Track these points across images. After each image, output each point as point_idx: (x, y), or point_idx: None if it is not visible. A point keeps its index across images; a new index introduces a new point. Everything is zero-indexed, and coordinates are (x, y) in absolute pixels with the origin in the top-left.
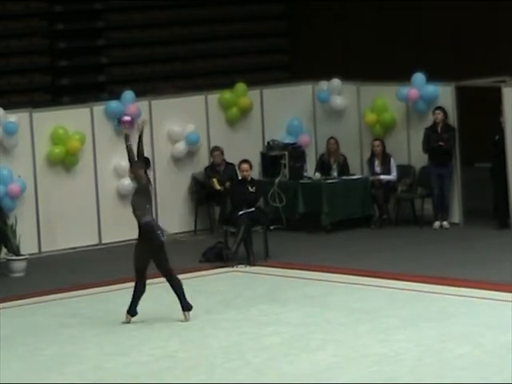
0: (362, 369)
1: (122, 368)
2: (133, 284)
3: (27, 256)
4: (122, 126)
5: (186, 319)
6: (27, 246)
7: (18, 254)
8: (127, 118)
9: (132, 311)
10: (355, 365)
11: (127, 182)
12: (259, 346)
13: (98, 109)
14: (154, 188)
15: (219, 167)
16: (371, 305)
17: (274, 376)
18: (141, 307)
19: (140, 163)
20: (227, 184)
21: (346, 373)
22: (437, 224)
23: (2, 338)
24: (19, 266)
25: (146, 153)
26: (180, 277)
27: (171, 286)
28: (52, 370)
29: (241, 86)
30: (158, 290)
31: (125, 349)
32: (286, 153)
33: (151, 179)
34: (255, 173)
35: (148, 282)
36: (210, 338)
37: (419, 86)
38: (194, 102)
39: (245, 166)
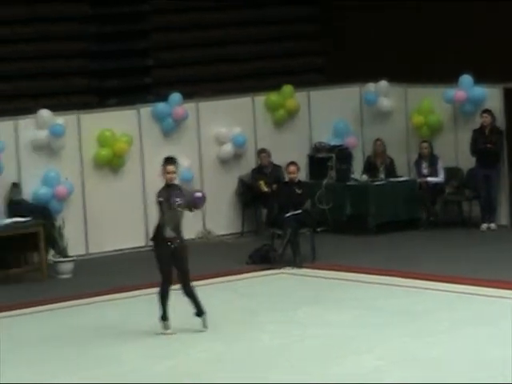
0: (408, 372)
1: (168, 370)
2: (178, 286)
3: (74, 258)
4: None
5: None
6: (74, 247)
7: (65, 255)
8: (199, 195)
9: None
10: (401, 368)
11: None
12: (304, 348)
13: (145, 111)
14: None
15: (266, 169)
16: (419, 307)
17: (319, 377)
18: (182, 311)
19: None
20: (274, 186)
21: (392, 376)
22: (484, 226)
23: (50, 339)
24: (66, 267)
25: (194, 155)
26: (227, 278)
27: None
28: (96, 369)
29: (288, 88)
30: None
31: (171, 352)
32: (333, 155)
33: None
34: (302, 175)
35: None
36: (256, 341)
37: (466, 87)
38: (241, 104)
39: (292, 168)
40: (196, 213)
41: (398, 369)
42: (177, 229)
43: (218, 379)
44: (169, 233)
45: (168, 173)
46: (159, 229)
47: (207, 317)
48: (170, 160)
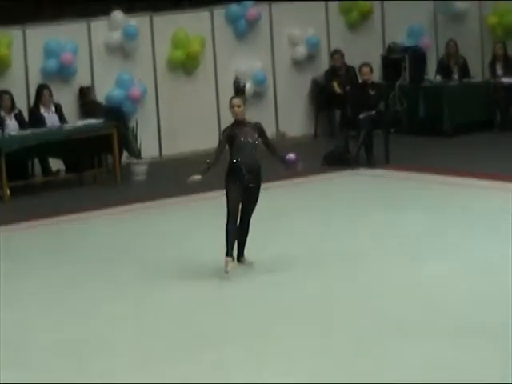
0: (479, 276)
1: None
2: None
3: (148, 159)
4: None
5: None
6: (148, 149)
7: (139, 157)
8: (292, 157)
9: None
10: (474, 272)
11: (248, 85)
12: (378, 250)
13: (219, 12)
14: (274, 91)
15: (340, 71)
16: (493, 209)
17: (393, 281)
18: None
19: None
20: (347, 87)
21: (465, 280)
22: None
23: (122, 241)
24: (140, 169)
25: (267, 56)
26: (301, 180)
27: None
28: (169, 274)
29: None
30: None
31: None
32: (407, 56)
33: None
34: (376, 76)
35: None
36: (329, 242)
37: None
38: (315, 6)
39: (365, 69)
40: (269, 114)
41: (470, 273)
42: (252, 168)
43: (293, 279)
44: (244, 171)
45: (233, 107)
46: (232, 166)
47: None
48: (236, 93)
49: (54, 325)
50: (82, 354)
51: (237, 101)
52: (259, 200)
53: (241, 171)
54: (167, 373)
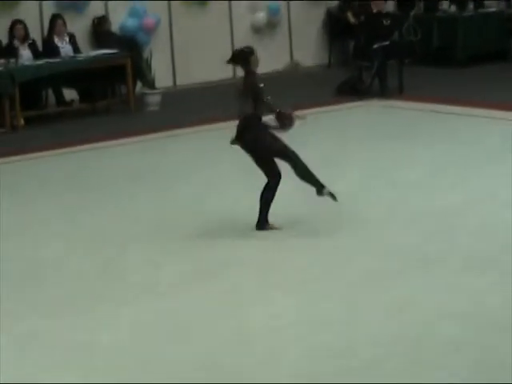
0: (488, 211)
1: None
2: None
3: (162, 90)
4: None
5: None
6: (162, 79)
7: (153, 87)
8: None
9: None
10: (483, 207)
11: (261, 15)
12: (392, 181)
13: None
14: (288, 21)
15: (354, 0)
16: (507, 141)
17: (405, 211)
18: None
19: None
20: (361, 17)
21: (475, 215)
22: None
23: (135, 171)
24: (154, 99)
25: None
26: (315, 110)
27: None
28: (189, 208)
29: None
30: None
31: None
32: None
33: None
34: (390, 6)
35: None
36: (343, 173)
37: None
38: None
39: None
40: (283, 44)
41: (480, 208)
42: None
43: (303, 213)
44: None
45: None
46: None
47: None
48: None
49: (67, 247)
50: (104, 278)
51: None
52: None
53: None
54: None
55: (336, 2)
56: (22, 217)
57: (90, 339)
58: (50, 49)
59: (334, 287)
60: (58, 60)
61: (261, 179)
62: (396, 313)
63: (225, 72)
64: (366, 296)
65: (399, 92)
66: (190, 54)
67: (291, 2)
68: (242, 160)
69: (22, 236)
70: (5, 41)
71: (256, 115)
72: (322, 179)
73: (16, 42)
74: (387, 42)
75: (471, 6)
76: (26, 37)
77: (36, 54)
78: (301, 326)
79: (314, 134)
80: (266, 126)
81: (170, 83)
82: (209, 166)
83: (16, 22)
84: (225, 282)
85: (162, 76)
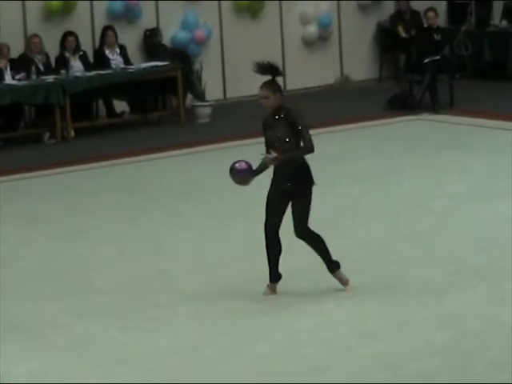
0: None
1: None
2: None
3: (212, 102)
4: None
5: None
6: (212, 92)
7: (203, 100)
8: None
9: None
10: None
11: (312, 29)
12: (442, 193)
13: None
14: (339, 35)
15: (405, 14)
16: None
17: (456, 223)
18: None
19: None
20: (413, 32)
21: None
22: None
23: (188, 183)
24: (204, 112)
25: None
26: (365, 124)
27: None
28: (237, 214)
29: None
30: None
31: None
32: (473, 0)
33: None
34: (441, 20)
35: None
36: (394, 186)
37: None
38: None
39: (431, 13)
40: (334, 58)
41: None
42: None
43: (353, 222)
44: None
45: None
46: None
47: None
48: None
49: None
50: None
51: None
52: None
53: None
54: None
55: (387, 16)
56: (72, 222)
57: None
58: (100, 60)
59: (385, 297)
60: (108, 72)
61: None
62: (447, 324)
63: None
64: (418, 307)
65: (450, 106)
66: (240, 67)
67: (342, 14)
68: None
69: (75, 240)
70: (56, 52)
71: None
72: (374, 189)
73: (67, 54)
74: (438, 57)
75: None
76: (77, 48)
77: (87, 66)
78: (352, 336)
79: (364, 147)
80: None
81: (220, 96)
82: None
83: (68, 34)
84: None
85: (212, 88)
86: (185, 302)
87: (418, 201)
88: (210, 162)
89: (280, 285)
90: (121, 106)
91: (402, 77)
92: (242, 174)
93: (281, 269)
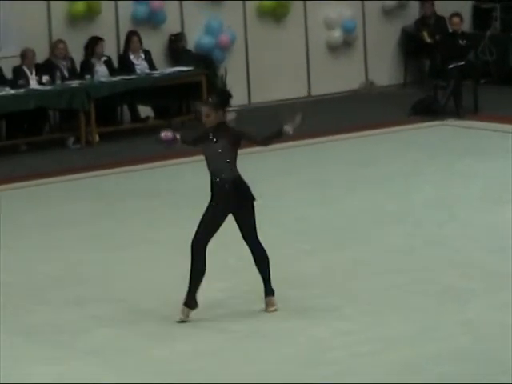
0: None
1: (328, 220)
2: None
3: (237, 107)
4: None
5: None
6: (237, 97)
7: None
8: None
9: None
10: None
11: (337, 34)
12: (466, 199)
13: None
14: (363, 40)
15: (430, 20)
16: None
17: (481, 228)
18: None
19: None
20: (437, 37)
21: None
22: None
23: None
24: (228, 117)
25: (357, 4)
26: (389, 129)
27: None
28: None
29: None
30: None
31: (332, 200)
32: (498, 5)
33: None
34: (466, 25)
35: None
36: (418, 191)
37: None
38: None
39: (456, 19)
40: (358, 63)
41: None
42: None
43: (373, 230)
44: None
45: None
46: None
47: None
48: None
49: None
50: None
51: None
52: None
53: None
54: None
55: (412, 21)
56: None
57: None
58: (125, 65)
59: (409, 303)
60: (133, 77)
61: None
62: (471, 329)
63: (300, 90)
64: (442, 312)
65: (474, 112)
66: (265, 72)
67: (367, 20)
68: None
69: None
70: (80, 57)
71: None
72: (398, 194)
73: (92, 59)
74: (463, 62)
75: None
76: (102, 53)
77: (112, 71)
78: (376, 341)
79: (388, 152)
80: None
81: (244, 101)
82: (292, 186)
83: (97, 39)
84: (298, 298)
85: (236, 93)
86: (206, 307)
87: (441, 206)
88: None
89: (300, 290)
90: (145, 111)
91: (426, 82)
92: (167, 144)
93: (299, 275)
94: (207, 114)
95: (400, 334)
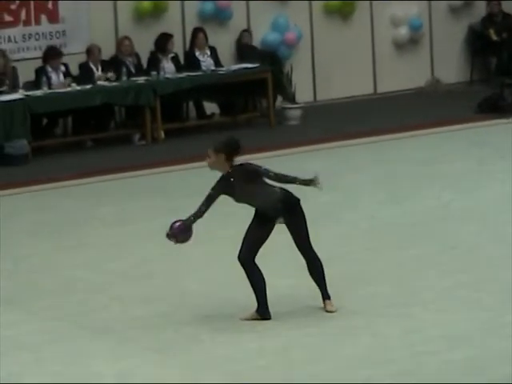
0: None
1: (394, 218)
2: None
3: (302, 104)
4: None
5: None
6: (302, 94)
7: (293, 102)
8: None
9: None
10: None
11: (403, 32)
12: None
13: None
14: (430, 37)
15: (496, 17)
16: None
17: None
18: None
19: None
20: (504, 34)
21: None
22: None
23: None
24: (294, 114)
25: (423, 2)
26: (456, 127)
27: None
28: (327, 217)
29: None
30: None
31: (398, 198)
32: None
33: None
34: None
35: None
36: (484, 189)
37: None
38: None
39: None
40: (425, 60)
41: None
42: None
43: (443, 226)
44: None
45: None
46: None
47: None
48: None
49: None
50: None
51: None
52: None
53: None
54: None
55: (478, 19)
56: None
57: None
58: (191, 62)
59: (473, 301)
60: (199, 73)
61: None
62: None
63: (366, 87)
64: (507, 310)
65: None
66: (330, 69)
67: (433, 17)
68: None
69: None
70: (147, 54)
71: None
72: (464, 192)
73: (159, 55)
74: None
75: None
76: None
77: (178, 68)
78: (440, 341)
79: (454, 150)
80: None
81: (310, 98)
82: (349, 181)
83: (167, 36)
84: (363, 296)
85: (302, 90)
86: (272, 304)
87: (508, 204)
88: (299, 165)
89: (365, 289)
90: (211, 107)
91: (492, 80)
92: (183, 235)
93: (364, 273)
94: (208, 155)
95: (464, 332)
